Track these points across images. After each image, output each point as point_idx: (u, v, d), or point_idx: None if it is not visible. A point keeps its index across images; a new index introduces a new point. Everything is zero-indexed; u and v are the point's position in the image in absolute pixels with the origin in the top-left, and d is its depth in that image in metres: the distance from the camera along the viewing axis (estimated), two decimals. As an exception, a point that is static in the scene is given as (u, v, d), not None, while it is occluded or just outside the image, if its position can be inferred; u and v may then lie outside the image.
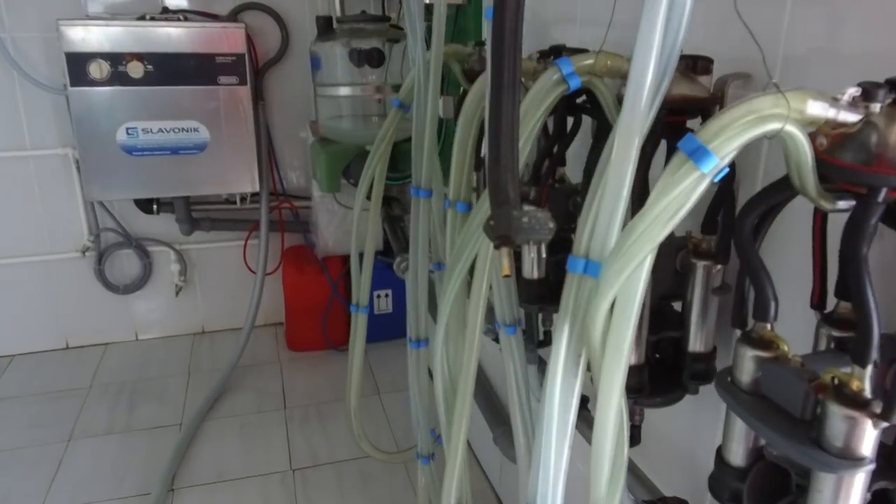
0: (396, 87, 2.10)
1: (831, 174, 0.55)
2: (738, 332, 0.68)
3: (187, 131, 2.36)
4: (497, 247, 0.71)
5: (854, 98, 0.52)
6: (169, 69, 2.25)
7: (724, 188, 0.79)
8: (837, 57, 0.71)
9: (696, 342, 0.87)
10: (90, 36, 2.16)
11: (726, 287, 0.86)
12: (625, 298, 0.58)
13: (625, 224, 0.62)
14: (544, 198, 1.10)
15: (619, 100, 0.81)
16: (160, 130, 2.31)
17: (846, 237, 0.54)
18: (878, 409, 0.53)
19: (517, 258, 1.01)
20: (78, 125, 2.24)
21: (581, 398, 1.28)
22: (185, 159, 2.40)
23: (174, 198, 2.56)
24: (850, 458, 0.55)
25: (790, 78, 0.77)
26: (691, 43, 0.82)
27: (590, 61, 0.78)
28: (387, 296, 2.81)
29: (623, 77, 0.82)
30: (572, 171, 1.15)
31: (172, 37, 2.24)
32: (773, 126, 0.51)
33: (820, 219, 0.66)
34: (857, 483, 0.56)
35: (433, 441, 1.49)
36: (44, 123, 2.48)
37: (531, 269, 1.12)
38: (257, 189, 2.55)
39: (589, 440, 1.07)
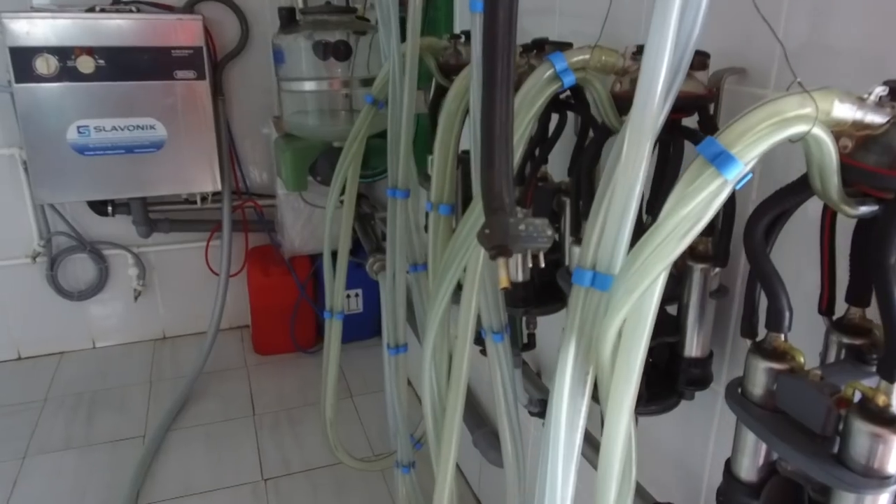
0: (364, 82, 2.03)
1: (853, 178, 0.52)
2: (747, 342, 0.65)
3: (143, 129, 2.25)
4: (493, 257, 0.67)
5: (881, 98, 0.49)
6: (122, 64, 2.13)
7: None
8: (834, 50, 0.68)
9: (692, 347, 0.84)
10: (35, 29, 2.03)
11: (723, 290, 0.84)
12: (636, 317, 0.54)
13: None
14: (529, 198, 1.06)
15: (613, 97, 0.78)
16: (114, 128, 2.19)
17: (873, 244, 0.51)
18: (907, 426, 0.51)
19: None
20: (25, 124, 2.11)
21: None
22: (140, 158, 2.28)
23: (130, 199, 2.44)
24: (875, 477, 0.52)
25: (789, 73, 0.74)
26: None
27: (585, 56, 0.74)
28: (357, 295, 2.75)
29: (616, 73, 0.78)
30: (553, 168, 1.11)
31: (125, 29, 2.12)
32: (800, 129, 0.48)
33: (828, 223, 0.64)
34: (885, 499, 0.54)
35: (413, 448, 1.44)
36: (-14, 122, 2.34)
37: (515, 272, 1.08)
38: (219, 188, 2.45)
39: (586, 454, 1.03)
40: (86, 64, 2.09)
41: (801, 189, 0.57)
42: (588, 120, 0.99)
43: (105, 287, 2.66)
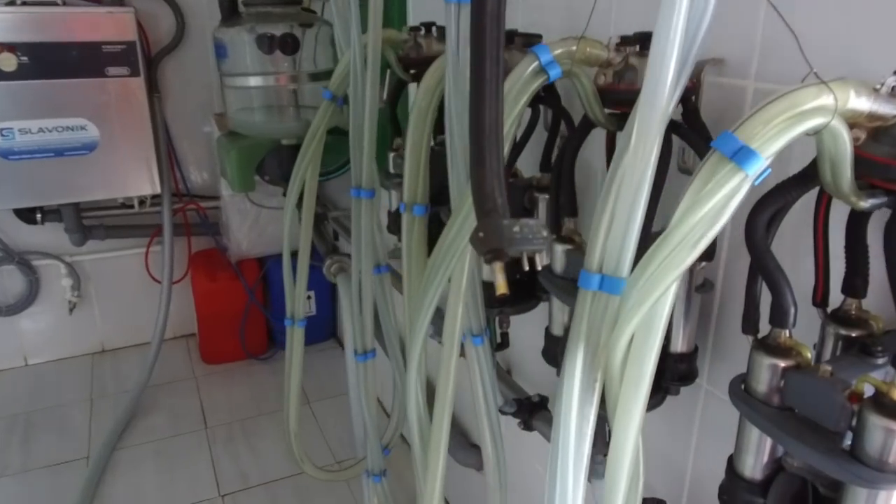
0: (313, 76, 1.96)
1: (864, 170, 0.51)
2: (747, 338, 0.64)
3: (73, 130, 2.10)
4: (489, 261, 0.63)
5: (893, 89, 0.48)
6: (47, 61, 1.98)
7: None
8: (814, 40, 0.68)
9: (678, 342, 0.83)
10: (-52, 24, 1.87)
11: (709, 284, 0.83)
12: (647, 327, 0.52)
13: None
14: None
15: (598, 90, 0.76)
16: (41, 130, 2.04)
17: (888, 237, 0.50)
18: (924, 419, 0.50)
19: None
20: (-62, 127, 1.94)
21: (541, 398, 1.24)
22: (71, 161, 2.13)
23: (61, 205, 2.28)
24: (891, 472, 0.51)
25: (770, 63, 0.74)
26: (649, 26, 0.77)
27: (571, 48, 0.71)
28: (309, 298, 2.67)
29: (600, 66, 0.75)
30: (522, 163, 1.09)
31: (50, 24, 1.97)
32: (820, 121, 0.46)
33: (822, 215, 0.63)
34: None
35: (383, 456, 1.40)
36: None
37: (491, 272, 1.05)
38: (158, 190, 2.32)
39: (548, 437, 1.02)
40: (7, 61, 1.93)
41: (804, 181, 0.56)
42: (559, 114, 0.97)
43: (36, 300, 2.49)
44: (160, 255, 2.46)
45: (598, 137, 0.87)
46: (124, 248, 2.55)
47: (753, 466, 0.64)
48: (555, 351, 0.91)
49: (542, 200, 1.01)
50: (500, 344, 1.20)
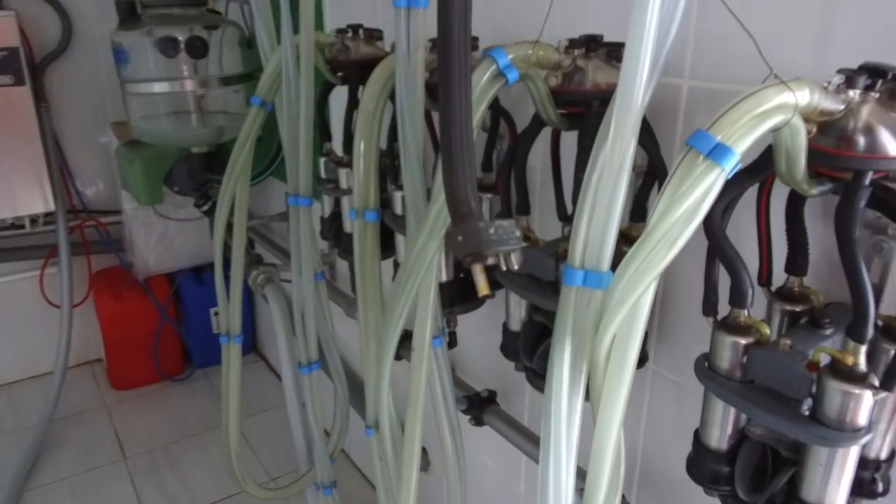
0: (224, 80, 1.88)
1: (814, 160, 0.56)
2: (708, 320, 0.69)
3: (-51, 145, 1.91)
4: (469, 264, 0.64)
5: (838, 86, 0.53)
6: (-84, 69, 1.79)
7: (661, 172, 0.79)
8: (731, 38, 0.73)
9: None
10: None
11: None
12: (629, 323, 0.55)
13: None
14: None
15: (555, 94, 0.78)
16: (-88, 147, 1.83)
17: (838, 221, 0.56)
18: (875, 381, 0.56)
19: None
20: None
21: (489, 393, 1.26)
22: (-50, 180, 1.94)
23: (-61, 229, 2.06)
24: (850, 430, 0.57)
25: (704, 61, 0.79)
26: (590, 27, 0.81)
27: (527, 51, 0.73)
28: (225, 311, 2.56)
29: (551, 68, 0.78)
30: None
31: (-83, 28, 1.78)
32: (783, 117, 0.51)
33: (764, 202, 0.69)
34: (854, 452, 0.59)
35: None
36: None
37: (439, 272, 1.06)
38: (51, 207, 2.15)
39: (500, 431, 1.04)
40: None
41: (757, 171, 0.61)
42: (499, 114, 1.00)
43: (-88, 335, 2.24)
44: (57, 277, 2.28)
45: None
46: (16, 271, 2.35)
47: (719, 438, 0.69)
48: (514, 345, 0.93)
49: (485, 200, 1.03)
50: (449, 343, 1.21)
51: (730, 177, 0.51)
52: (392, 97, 0.92)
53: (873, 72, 0.54)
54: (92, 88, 2.29)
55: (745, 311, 0.65)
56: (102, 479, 1.98)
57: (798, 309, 0.69)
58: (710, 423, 0.69)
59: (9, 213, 2.11)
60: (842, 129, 0.54)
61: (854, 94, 0.54)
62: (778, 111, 0.50)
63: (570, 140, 0.89)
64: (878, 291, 0.64)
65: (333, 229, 1.32)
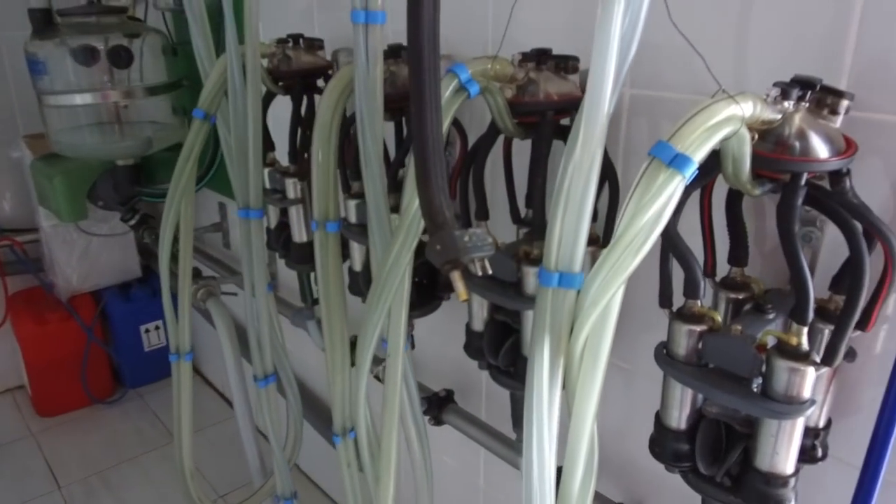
0: (150, 90, 1.82)
1: (755, 164, 0.63)
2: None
3: None
4: (448, 271, 0.67)
5: (775, 98, 0.60)
6: None
7: (610, 174, 0.85)
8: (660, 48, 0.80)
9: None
10: None
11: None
12: (601, 321, 0.60)
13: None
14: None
15: (511, 105, 0.82)
16: None
17: (779, 217, 0.62)
18: (817, 358, 0.64)
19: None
20: None
21: (447, 392, 1.29)
22: None
23: None
24: (797, 403, 0.64)
25: (641, 70, 0.85)
26: (531, 41, 0.86)
27: (486, 66, 0.77)
28: (157, 328, 2.47)
29: (508, 81, 0.82)
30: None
31: None
32: (732, 128, 0.56)
33: (707, 201, 0.76)
34: (800, 423, 0.67)
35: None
36: None
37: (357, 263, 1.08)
38: (-41, 229, 2.02)
39: (460, 429, 1.08)
40: None
41: (705, 174, 0.67)
42: (450, 123, 1.03)
43: None
44: (-31, 302, 2.14)
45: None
46: (-79, 299, 2.18)
47: (679, 418, 0.75)
48: (478, 344, 0.97)
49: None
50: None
51: (688, 183, 0.57)
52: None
53: (803, 84, 0.61)
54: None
55: (699, 302, 0.71)
56: (36, 512, 1.88)
57: (741, 296, 0.76)
58: (670, 406, 0.75)
59: (-88, 236, 1.96)
60: (779, 136, 0.61)
61: (788, 104, 0.61)
62: (728, 122, 0.56)
63: (518, 146, 0.94)
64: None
65: (282, 240, 1.32)
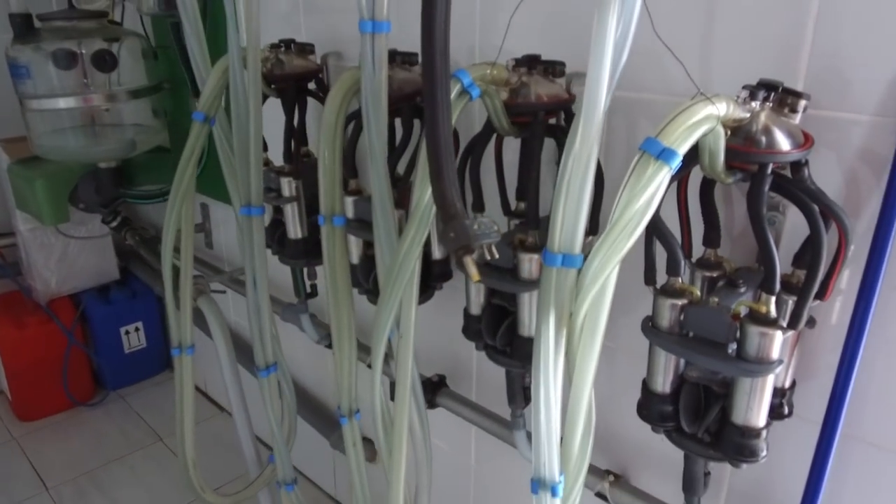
0: (132, 93, 1.85)
1: (727, 156, 0.72)
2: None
3: None
4: (461, 257, 0.75)
5: (744, 99, 0.69)
6: None
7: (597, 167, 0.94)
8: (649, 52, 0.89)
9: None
10: None
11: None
12: (599, 297, 0.68)
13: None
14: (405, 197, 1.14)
15: (507, 107, 0.90)
16: None
17: (749, 203, 0.72)
18: (783, 323, 0.73)
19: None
20: None
21: (440, 377, 1.37)
22: None
23: None
24: (767, 363, 0.74)
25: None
26: (517, 47, 0.94)
27: (486, 71, 0.84)
28: (137, 330, 2.48)
29: (503, 85, 0.90)
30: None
31: None
32: (710, 125, 0.66)
33: (684, 189, 0.85)
34: (770, 381, 0.76)
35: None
36: None
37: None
38: (-65, 234, 2.00)
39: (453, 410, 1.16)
40: None
41: (685, 166, 0.76)
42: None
43: None
44: (-54, 308, 2.12)
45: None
46: None
47: (663, 383, 0.84)
48: (476, 327, 1.05)
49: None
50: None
51: (673, 174, 0.66)
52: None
53: (768, 87, 0.70)
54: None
55: (679, 279, 0.80)
56: (26, 513, 1.89)
57: (715, 274, 0.85)
58: (656, 372, 0.84)
59: None
60: (748, 132, 0.70)
61: (755, 104, 0.70)
62: (706, 121, 0.65)
63: (507, 143, 1.02)
64: (774, 255, 0.82)
65: (277, 236, 1.37)
